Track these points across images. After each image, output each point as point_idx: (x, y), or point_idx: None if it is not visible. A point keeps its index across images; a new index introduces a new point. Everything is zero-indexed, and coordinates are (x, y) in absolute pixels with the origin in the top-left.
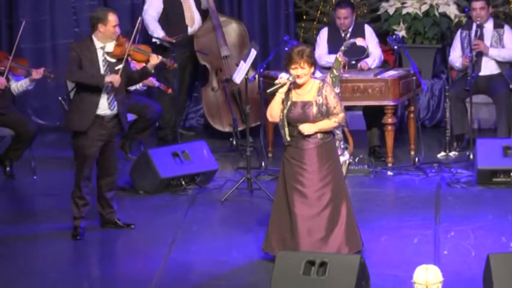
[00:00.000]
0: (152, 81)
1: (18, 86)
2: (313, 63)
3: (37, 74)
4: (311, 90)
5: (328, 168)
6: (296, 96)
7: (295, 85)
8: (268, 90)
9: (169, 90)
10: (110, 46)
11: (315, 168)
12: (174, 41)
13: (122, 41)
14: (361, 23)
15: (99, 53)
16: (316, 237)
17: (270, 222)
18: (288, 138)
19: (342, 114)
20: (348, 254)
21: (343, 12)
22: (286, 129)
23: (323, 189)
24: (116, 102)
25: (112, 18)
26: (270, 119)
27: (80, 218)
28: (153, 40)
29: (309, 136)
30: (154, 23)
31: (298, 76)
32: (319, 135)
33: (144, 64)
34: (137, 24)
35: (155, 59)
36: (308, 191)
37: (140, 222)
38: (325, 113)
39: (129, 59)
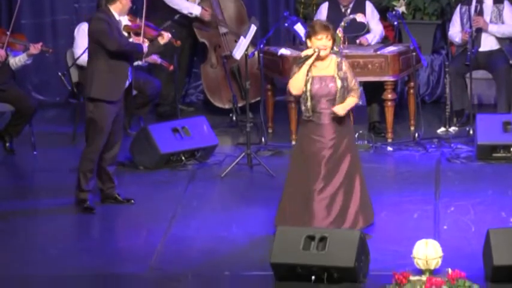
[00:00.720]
0: (154, 58)
1: (16, 60)
2: (334, 38)
3: (35, 49)
4: (329, 66)
5: (346, 143)
6: (315, 70)
7: (316, 58)
8: (299, 62)
9: (171, 67)
10: (125, 20)
11: (335, 142)
12: (209, 17)
13: (132, 16)
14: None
15: (120, 25)
16: (333, 214)
17: (284, 197)
18: (311, 113)
19: (359, 89)
20: (348, 229)
21: None
22: (309, 103)
23: (341, 164)
24: (131, 74)
25: None
26: (293, 92)
27: (88, 191)
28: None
29: (330, 112)
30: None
31: (324, 47)
32: None
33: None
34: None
35: (166, 37)
36: (329, 167)
37: (140, 198)
38: (346, 87)
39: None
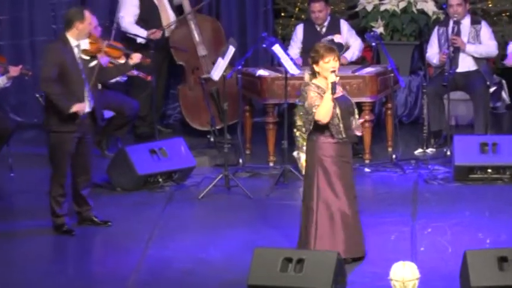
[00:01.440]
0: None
1: None
2: (339, 58)
3: (14, 71)
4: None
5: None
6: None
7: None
8: (333, 91)
9: (149, 77)
10: (85, 43)
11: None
12: (159, 35)
13: (95, 38)
14: (337, 18)
15: (75, 51)
16: (355, 239)
17: (320, 226)
18: (344, 134)
19: None
20: (325, 251)
21: (316, 5)
22: (341, 124)
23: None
24: (92, 101)
25: (88, 15)
26: (325, 120)
27: (64, 214)
28: (138, 41)
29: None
30: (134, 26)
31: (334, 69)
32: None
33: (120, 60)
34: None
35: (137, 58)
36: (352, 190)
37: (118, 219)
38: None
39: (104, 55)
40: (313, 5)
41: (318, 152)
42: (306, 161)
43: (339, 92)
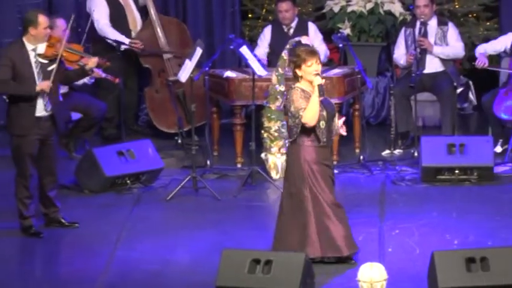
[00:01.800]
0: (99, 72)
1: None
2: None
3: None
4: (314, 89)
5: None
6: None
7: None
8: (321, 94)
9: (117, 80)
10: (42, 47)
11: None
12: (142, 46)
13: (54, 41)
14: (305, 20)
15: (31, 55)
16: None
17: (310, 229)
18: (325, 138)
19: None
20: (293, 252)
21: (283, 5)
22: (325, 128)
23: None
24: (50, 103)
25: (42, 20)
26: (312, 123)
27: (31, 216)
28: (109, 42)
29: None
30: (113, 31)
31: (317, 71)
32: None
33: (77, 64)
34: (69, 24)
35: (92, 63)
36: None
37: (86, 221)
38: None
39: (62, 59)
40: (280, 5)
41: (304, 155)
42: (289, 164)
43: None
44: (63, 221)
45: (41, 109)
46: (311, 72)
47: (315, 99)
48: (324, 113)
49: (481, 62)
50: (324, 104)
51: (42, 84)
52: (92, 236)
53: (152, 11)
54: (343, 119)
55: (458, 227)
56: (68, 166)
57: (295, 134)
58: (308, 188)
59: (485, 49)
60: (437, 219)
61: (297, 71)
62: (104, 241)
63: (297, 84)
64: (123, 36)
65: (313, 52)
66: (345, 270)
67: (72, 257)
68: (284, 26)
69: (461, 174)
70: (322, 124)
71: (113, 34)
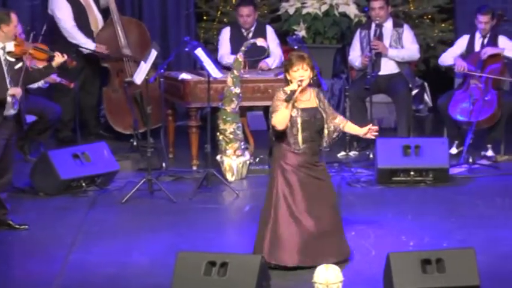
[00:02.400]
0: (54, 77)
1: None
2: (313, 68)
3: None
4: (311, 97)
5: (325, 173)
6: (300, 103)
7: (300, 91)
8: (287, 99)
9: (72, 85)
10: (10, 46)
11: (320, 172)
12: (107, 51)
13: (20, 40)
14: (263, 23)
15: (0, 52)
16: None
17: (275, 234)
18: (301, 146)
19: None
20: (249, 255)
21: (245, 10)
22: (300, 136)
23: (324, 194)
24: (17, 102)
25: (14, 17)
26: (280, 127)
27: None
28: (81, 50)
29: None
30: (80, 33)
31: (301, 77)
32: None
33: (45, 62)
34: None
35: (60, 58)
36: (314, 197)
37: (40, 224)
38: (327, 118)
39: (30, 57)
40: (241, 9)
41: (280, 159)
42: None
43: (314, 104)
44: (12, 223)
45: (8, 108)
46: (296, 77)
47: (290, 104)
48: (299, 120)
49: (461, 67)
50: (305, 112)
51: (14, 90)
52: (47, 239)
53: (114, 11)
54: (370, 126)
55: (414, 229)
56: (23, 169)
57: (273, 136)
58: (275, 189)
59: (451, 55)
60: (393, 220)
61: (287, 75)
62: (59, 244)
63: (286, 88)
64: (90, 40)
65: (301, 57)
66: (301, 273)
67: (27, 261)
68: (243, 30)
69: (417, 175)
70: (296, 131)
71: (80, 37)
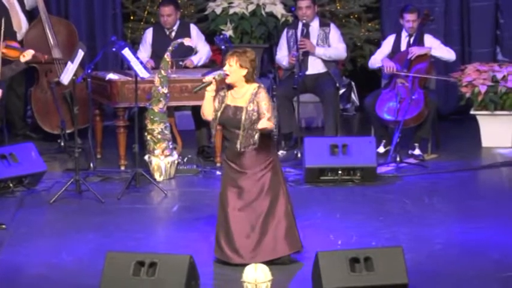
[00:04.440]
0: None
1: None
2: (248, 66)
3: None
4: (245, 95)
5: (263, 170)
6: (231, 99)
7: (228, 87)
8: (195, 89)
9: None
10: None
11: (253, 171)
12: (43, 60)
13: None
14: (187, 23)
15: None
16: (252, 240)
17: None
18: (213, 139)
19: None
20: (178, 254)
21: (166, 9)
22: (214, 130)
23: (260, 193)
24: None
25: None
26: (203, 116)
27: None
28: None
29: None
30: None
31: (224, 71)
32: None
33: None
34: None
35: (29, 54)
36: (247, 196)
37: None
38: (255, 119)
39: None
40: (162, 9)
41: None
42: None
43: (243, 103)
44: None
45: None
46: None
47: (208, 95)
48: (218, 114)
49: (390, 67)
50: (226, 109)
51: None
52: None
53: (42, 11)
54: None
55: (342, 227)
56: None
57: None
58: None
59: (380, 57)
60: (321, 219)
61: None
62: None
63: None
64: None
65: (234, 53)
66: (230, 272)
67: None
68: (166, 29)
69: (345, 174)
70: (212, 124)
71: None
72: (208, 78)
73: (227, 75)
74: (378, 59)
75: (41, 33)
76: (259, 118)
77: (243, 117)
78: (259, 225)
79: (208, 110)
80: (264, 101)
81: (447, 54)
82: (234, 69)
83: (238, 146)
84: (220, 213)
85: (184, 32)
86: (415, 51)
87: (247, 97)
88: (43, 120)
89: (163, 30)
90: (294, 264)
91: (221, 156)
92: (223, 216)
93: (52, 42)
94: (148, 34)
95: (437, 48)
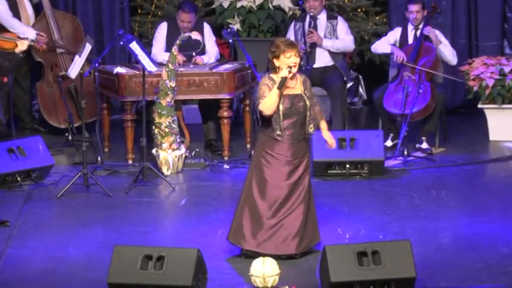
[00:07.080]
0: None
1: None
2: (301, 56)
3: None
4: (297, 84)
5: (305, 165)
6: (285, 89)
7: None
8: (278, 86)
9: (5, 79)
10: None
11: (296, 162)
12: (47, 39)
13: None
14: (201, 20)
15: None
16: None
17: (244, 215)
18: (280, 132)
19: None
20: (185, 248)
21: (186, 17)
22: (281, 122)
23: (300, 185)
24: None
25: None
26: (267, 112)
27: None
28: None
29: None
30: (19, 22)
31: (294, 64)
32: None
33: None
34: None
35: (24, 45)
36: (296, 188)
37: None
38: (315, 103)
39: None
40: (183, 15)
41: (261, 145)
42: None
43: (299, 91)
44: None
45: None
46: (288, 63)
47: (275, 90)
48: (281, 107)
49: (400, 56)
50: (288, 99)
51: None
52: None
53: (46, 5)
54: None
55: (350, 221)
56: None
57: (258, 121)
58: (253, 176)
59: (386, 43)
60: (329, 213)
61: (275, 61)
62: None
63: (271, 74)
64: (31, 29)
65: (292, 44)
66: (238, 265)
67: None
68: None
69: (352, 168)
70: (276, 117)
71: (20, 26)
72: (283, 72)
73: (295, 66)
74: (383, 45)
75: (45, 27)
76: (310, 104)
77: (307, 103)
78: (280, 217)
79: (275, 105)
80: (311, 87)
81: (451, 55)
82: (298, 60)
83: (310, 129)
84: (244, 200)
85: (198, 28)
86: (431, 30)
87: (300, 85)
88: (49, 114)
89: (177, 26)
90: (301, 258)
91: (252, 148)
92: (248, 204)
93: (56, 36)
94: (163, 28)
95: (447, 45)
